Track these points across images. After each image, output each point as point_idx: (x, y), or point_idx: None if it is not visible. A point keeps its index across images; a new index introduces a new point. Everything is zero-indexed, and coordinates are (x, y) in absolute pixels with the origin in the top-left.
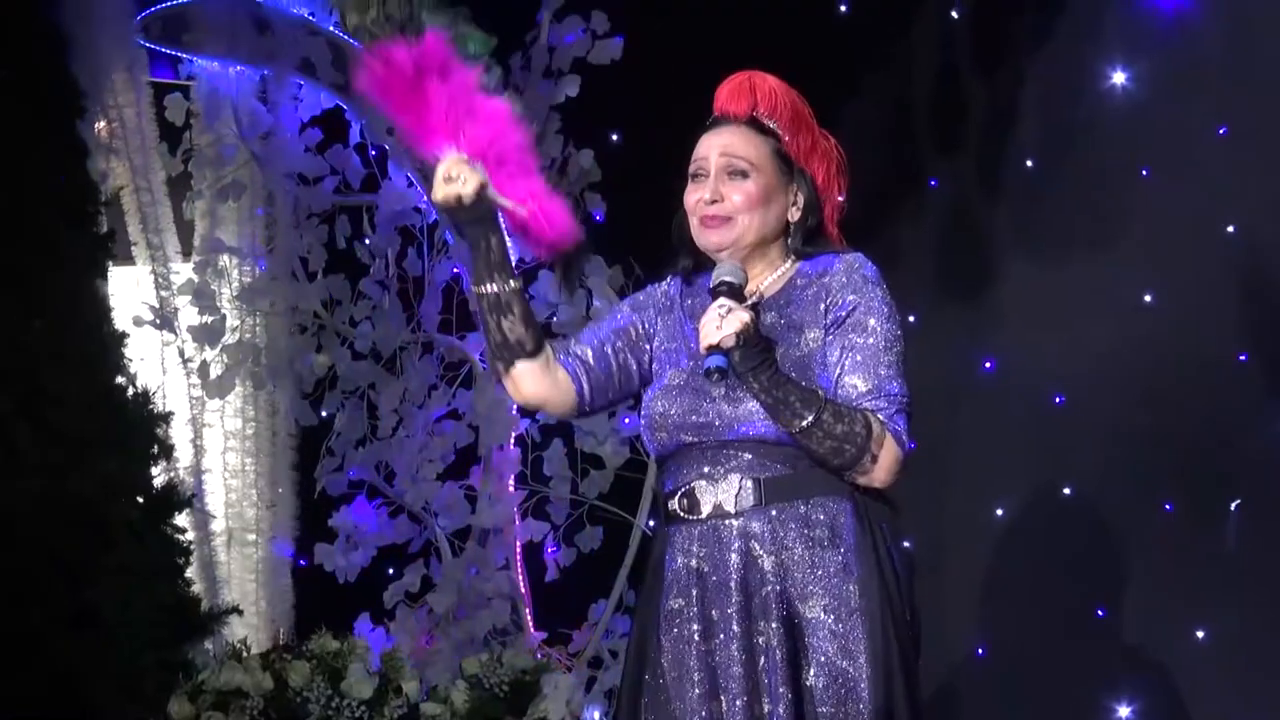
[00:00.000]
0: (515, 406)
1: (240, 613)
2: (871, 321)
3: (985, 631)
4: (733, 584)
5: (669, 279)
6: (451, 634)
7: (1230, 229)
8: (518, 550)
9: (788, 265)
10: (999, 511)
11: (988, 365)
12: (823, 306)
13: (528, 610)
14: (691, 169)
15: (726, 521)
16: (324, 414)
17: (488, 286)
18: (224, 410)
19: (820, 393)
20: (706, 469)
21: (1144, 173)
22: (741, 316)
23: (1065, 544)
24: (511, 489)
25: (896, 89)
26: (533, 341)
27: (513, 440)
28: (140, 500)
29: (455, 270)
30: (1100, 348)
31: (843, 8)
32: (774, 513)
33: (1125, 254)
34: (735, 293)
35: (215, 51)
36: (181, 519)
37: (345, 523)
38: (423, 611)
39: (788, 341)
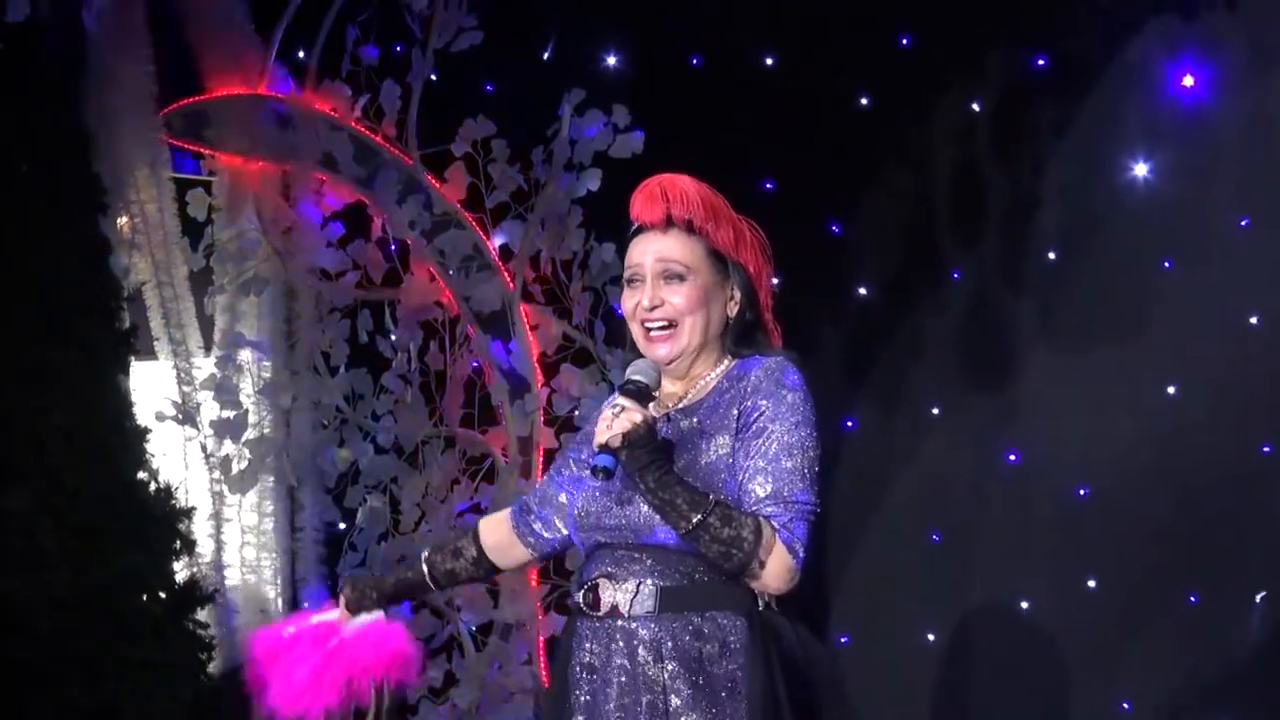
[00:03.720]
0: None
1: None
2: (777, 428)
3: None
4: (619, 684)
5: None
6: None
7: (1253, 320)
8: (540, 645)
9: (721, 367)
10: (1024, 604)
11: (1011, 457)
12: (735, 411)
13: None
14: (626, 274)
15: (619, 623)
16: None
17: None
18: (241, 505)
19: (711, 496)
20: (611, 569)
21: (1166, 264)
22: (633, 417)
23: (1090, 636)
24: (534, 584)
25: (918, 180)
26: (470, 560)
27: None
28: (162, 595)
29: (476, 365)
30: (1124, 440)
31: (864, 99)
32: (666, 621)
33: (1148, 346)
34: (641, 392)
35: (237, 147)
36: (204, 614)
37: None
38: (446, 708)
39: (696, 448)
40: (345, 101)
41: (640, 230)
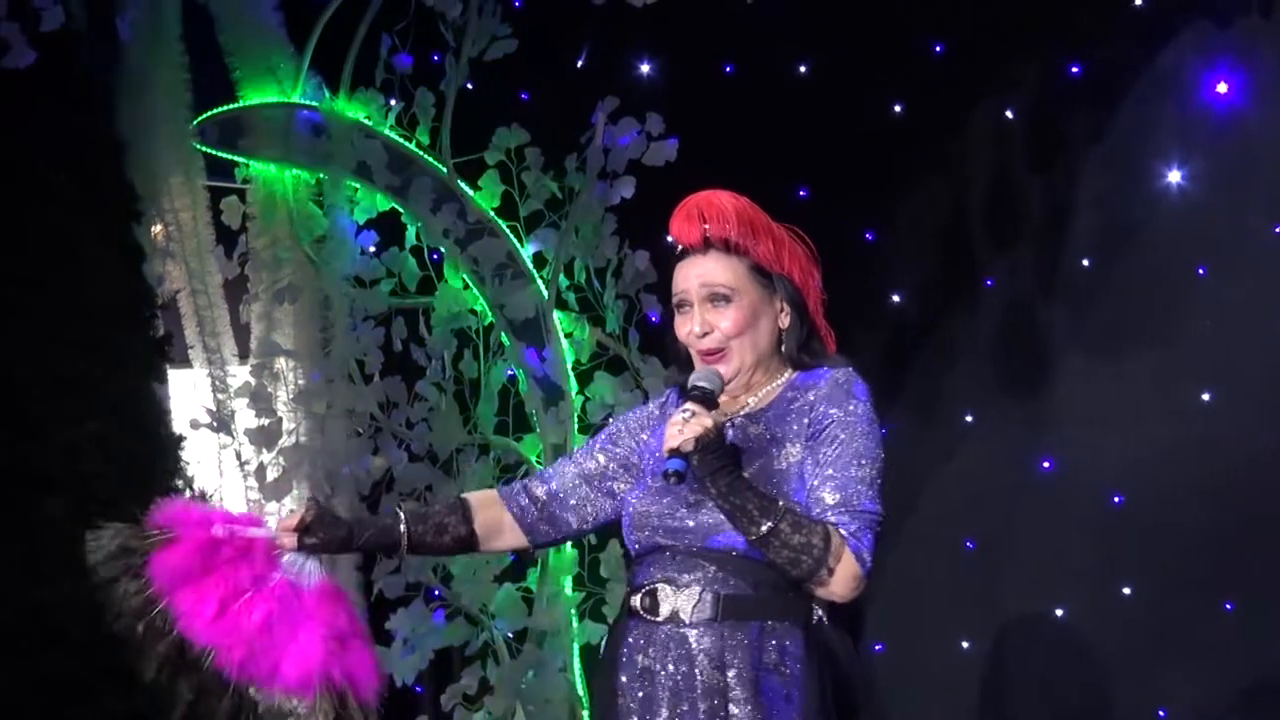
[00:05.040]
0: None
1: (298, 715)
2: (846, 436)
3: None
4: (677, 691)
5: (667, 392)
6: None
7: None
8: (575, 653)
9: (784, 377)
10: (1058, 611)
11: (1046, 464)
12: (806, 420)
13: (585, 713)
14: (675, 300)
15: (680, 630)
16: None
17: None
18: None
19: (781, 503)
20: (672, 573)
21: (1200, 271)
22: (704, 422)
23: (1125, 644)
24: (569, 590)
25: (952, 189)
26: (455, 539)
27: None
28: None
29: (510, 373)
30: (1159, 446)
31: (897, 107)
32: (727, 630)
33: (1183, 352)
34: (708, 398)
35: (271, 155)
36: None
37: (403, 625)
38: (480, 716)
39: (768, 454)
40: (379, 110)
41: (684, 253)
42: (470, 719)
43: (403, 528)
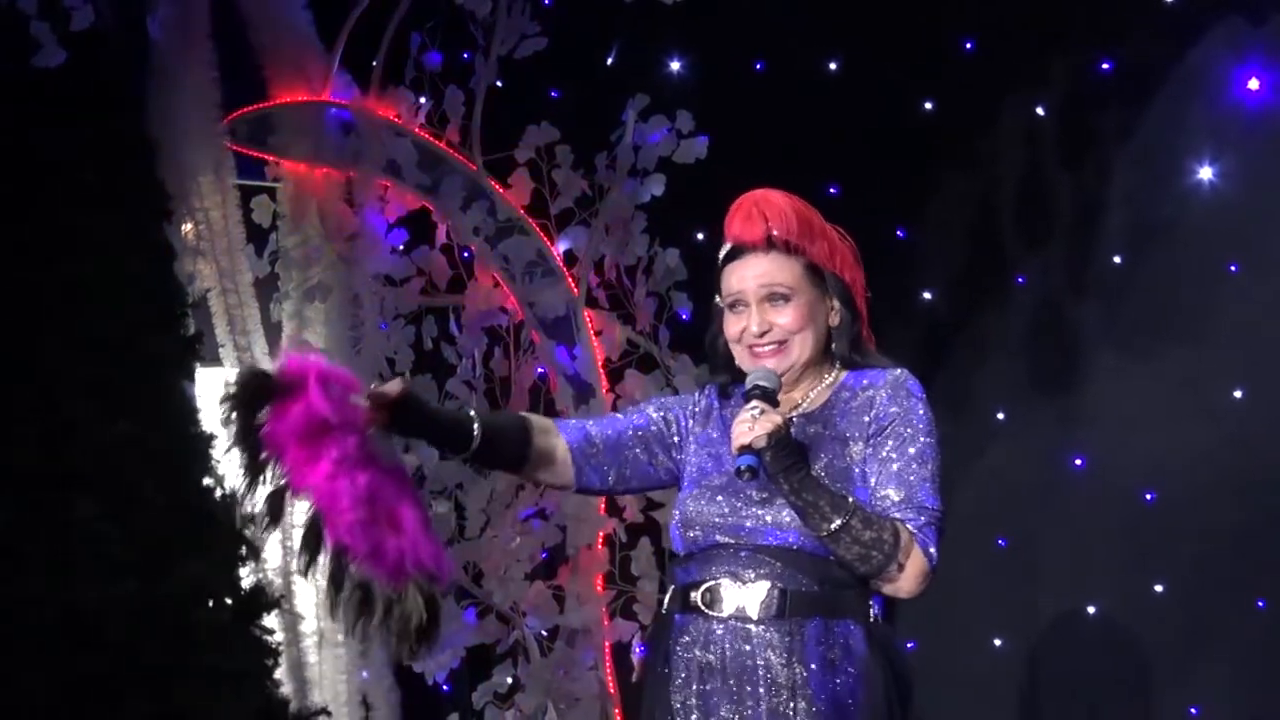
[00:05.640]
0: (603, 506)
1: (329, 714)
2: (909, 434)
3: None
4: (741, 686)
5: (705, 390)
6: None
7: None
8: (606, 651)
9: (832, 376)
10: (1091, 609)
11: (1078, 462)
12: (867, 419)
13: (617, 711)
14: (727, 301)
15: (746, 625)
16: None
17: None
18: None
19: (851, 499)
20: (736, 569)
21: (1232, 268)
22: (774, 418)
23: (1158, 642)
24: (600, 589)
25: (982, 185)
26: (512, 457)
27: (600, 540)
28: (229, 602)
29: (541, 370)
30: (1191, 444)
31: (928, 104)
32: (793, 626)
33: (1215, 350)
34: (768, 396)
35: (301, 153)
36: (270, 620)
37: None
38: (511, 713)
39: (832, 452)
40: (409, 108)
41: (737, 252)
42: (502, 717)
43: (476, 430)
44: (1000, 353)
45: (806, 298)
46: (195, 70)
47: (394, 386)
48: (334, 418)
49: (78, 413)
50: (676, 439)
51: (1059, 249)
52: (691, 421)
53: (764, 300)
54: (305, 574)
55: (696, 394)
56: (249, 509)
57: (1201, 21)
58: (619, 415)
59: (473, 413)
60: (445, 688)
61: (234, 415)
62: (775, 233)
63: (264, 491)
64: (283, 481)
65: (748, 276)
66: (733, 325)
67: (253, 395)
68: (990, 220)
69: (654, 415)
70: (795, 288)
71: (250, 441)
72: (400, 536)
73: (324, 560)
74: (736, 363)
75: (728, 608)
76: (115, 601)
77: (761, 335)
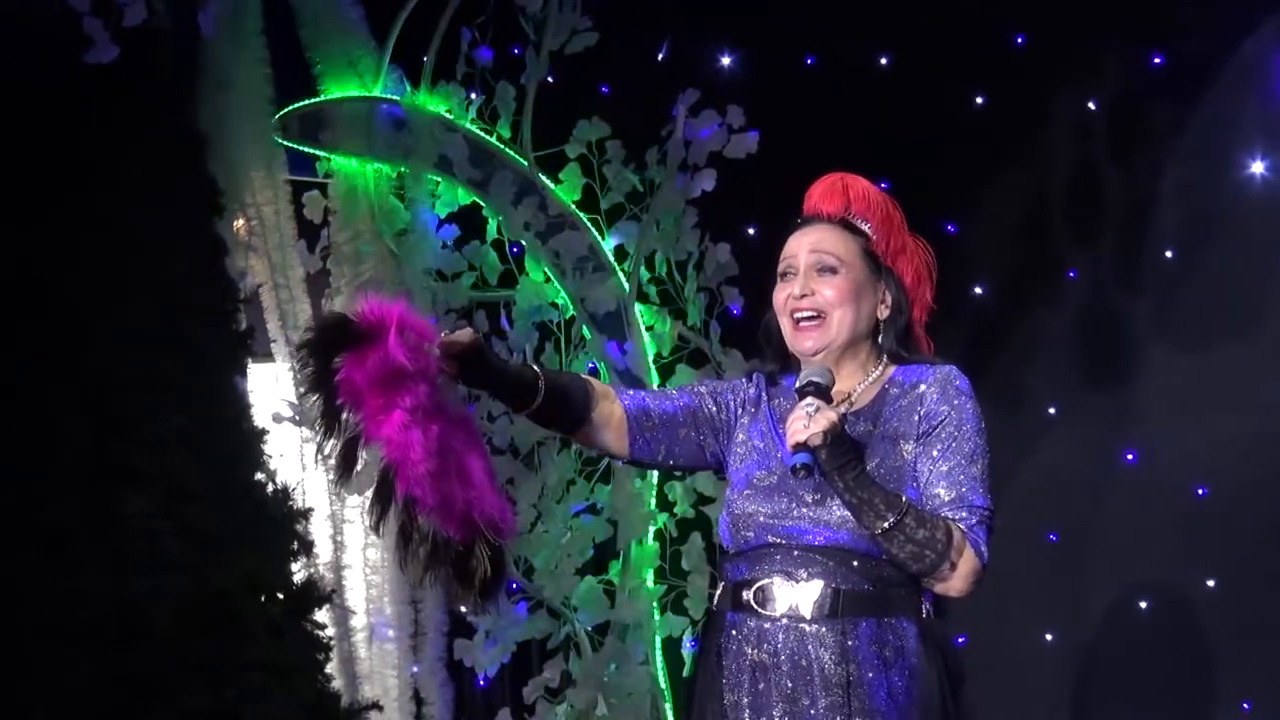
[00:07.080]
0: (654, 501)
1: (380, 709)
2: (959, 433)
3: None
4: (796, 685)
5: (754, 378)
6: None
7: None
8: (657, 645)
9: (879, 371)
10: (1142, 604)
11: (1129, 457)
12: (916, 417)
13: (668, 706)
14: (780, 268)
15: (799, 625)
16: None
17: (525, 411)
18: (364, 506)
19: (904, 498)
20: (789, 568)
21: None
22: (829, 415)
23: (1210, 636)
24: (650, 583)
25: (1034, 180)
26: (571, 418)
27: (651, 534)
28: (280, 596)
29: (592, 366)
30: (1242, 439)
31: (979, 99)
32: (847, 625)
33: (1267, 344)
34: (822, 393)
35: (353, 149)
36: (321, 615)
37: (485, 618)
38: (563, 708)
39: (883, 450)
40: (460, 103)
41: (803, 223)
42: (552, 712)
43: (541, 385)
44: (1051, 347)
45: (855, 276)
46: (247, 66)
47: (465, 335)
48: (410, 366)
49: (129, 408)
50: (726, 425)
51: (1110, 244)
52: (740, 410)
53: (812, 268)
54: (377, 530)
55: (745, 380)
56: (323, 458)
57: (1253, 16)
58: (673, 392)
59: (538, 369)
60: (481, 683)
61: (310, 360)
62: (854, 208)
63: (336, 443)
64: (357, 431)
65: (804, 243)
66: (780, 292)
67: (331, 340)
68: (1042, 215)
69: (707, 398)
70: (846, 262)
71: (326, 388)
72: (468, 489)
73: (393, 512)
74: (785, 340)
75: (780, 606)
76: (167, 596)
77: (802, 298)
